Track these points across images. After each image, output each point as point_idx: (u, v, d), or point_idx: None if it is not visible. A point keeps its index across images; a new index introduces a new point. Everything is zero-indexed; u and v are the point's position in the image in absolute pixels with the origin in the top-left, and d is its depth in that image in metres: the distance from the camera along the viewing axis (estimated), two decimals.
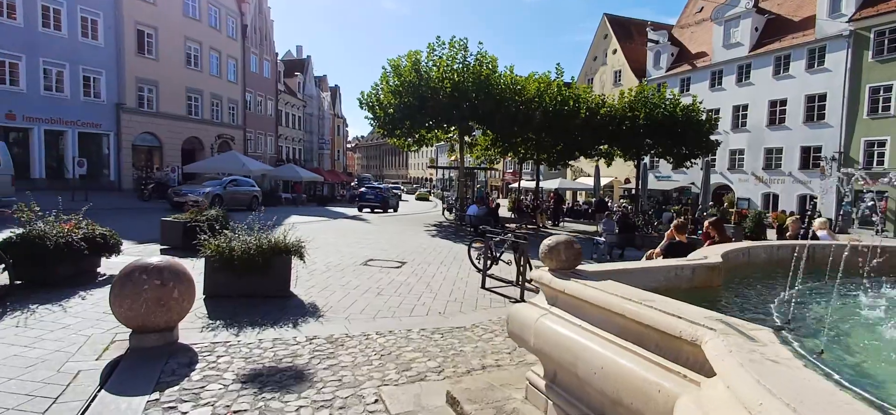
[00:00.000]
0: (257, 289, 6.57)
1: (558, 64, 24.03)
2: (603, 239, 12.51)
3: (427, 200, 50.83)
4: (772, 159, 31.11)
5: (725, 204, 31.34)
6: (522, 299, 7.54)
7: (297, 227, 16.17)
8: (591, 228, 23.20)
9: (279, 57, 48.10)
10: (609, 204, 30.40)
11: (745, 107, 32.08)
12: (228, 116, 36.78)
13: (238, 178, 24.08)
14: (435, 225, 20.58)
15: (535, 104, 21.06)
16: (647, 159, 27.02)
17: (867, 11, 26.25)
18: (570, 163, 32.99)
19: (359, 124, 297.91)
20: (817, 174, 28.39)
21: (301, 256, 7.01)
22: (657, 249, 6.94)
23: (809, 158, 29.02)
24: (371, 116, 22.39)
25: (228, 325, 5.47)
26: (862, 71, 26.43)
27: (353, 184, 59.52)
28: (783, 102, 30.32)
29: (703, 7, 39.10)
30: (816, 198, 28.24)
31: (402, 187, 64.65)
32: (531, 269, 8.79)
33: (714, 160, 30.11)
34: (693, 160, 24.66)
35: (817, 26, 28.45)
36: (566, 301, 3.15)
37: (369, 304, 6.84)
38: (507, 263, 9.77)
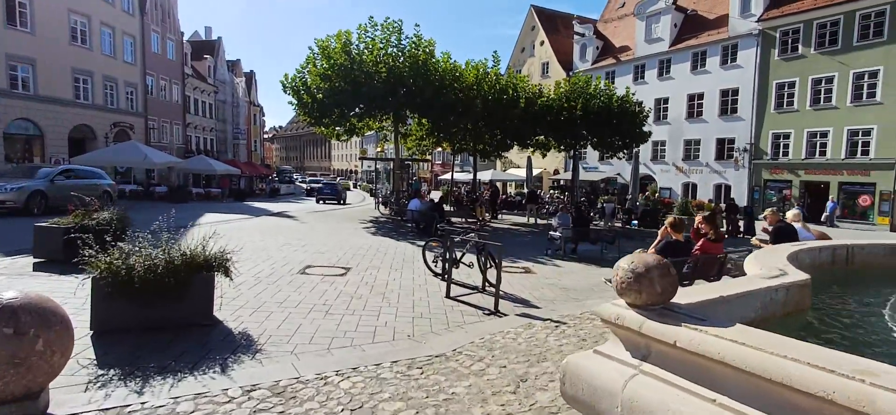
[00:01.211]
0: (169, 318, 5.01)
1: (495, 52, 23.37)
2: (558, 234, 11.86)
3: (347, 191, 49.10)
4: (690, 150, 32.74)
5: (648, 193, 32.53)
6: (497, 311, 6.53)
7: (214, 228, 14.12)
8: (523, 220, 22.94)
9: (185, 37, 43.62)
10: (540, 195, 30.41)
11: (666, 100, 33.45)
12: (126, 102, 32.51)
13: (77, 167, 19.16)
14: (371, 221, 19.14)
15: (473, 92, 20.19)
16: (579, 150, 27.18)
17: (773, 12, 28.10)
18: (503, 154, 32.68)
19: (277, 113, 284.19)
20: (731, 164, 30.18)
21: (227, 272, 5.50)
22: (651, 250, 6.19)
23: (724, 149, 30.81)
24: (296, 103, 20.38)
25: (128, 376, 3.92)
26: (770, 68, 28.30)
27: (272, 177, 55.89)
28: (700, 96, 31.92)
29: (625, 3, 40.43)
30: (731, 186, 30.04)
31: (323, 180, 61.82)
32: (500, 274, 7.84)
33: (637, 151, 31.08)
34: (625, 151, 25.08)
35: (730, 25, 30.12)
36: (676, 358, 2.10)
37: (319, 328, 5.48)
38: (469, 266, 8.74)
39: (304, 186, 47.74)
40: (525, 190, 31.02)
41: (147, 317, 4.89)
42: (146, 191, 27.75)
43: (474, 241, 8.26)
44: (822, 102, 26.22)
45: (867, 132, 24.72)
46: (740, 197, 28.64)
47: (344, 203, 32.62)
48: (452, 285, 7.47)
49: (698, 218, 6.35)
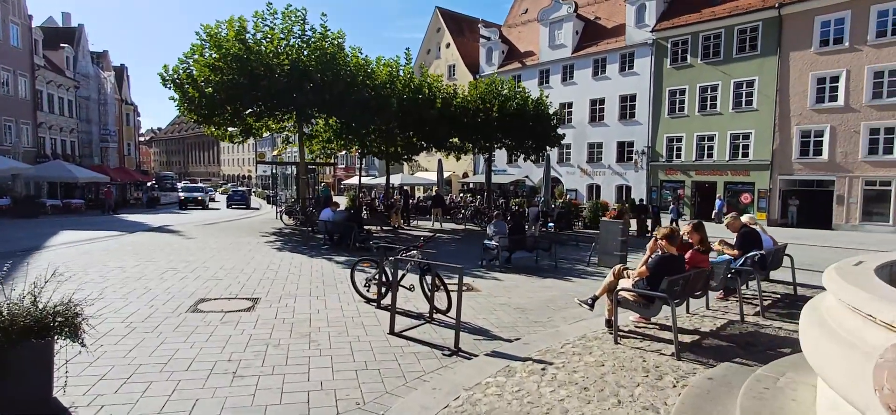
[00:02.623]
0: None
1: (407, 49, 22.00)
2: (494, 242, 10.85)
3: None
4: (594, 153, 33.99)
5: (556, 195, 33.23)
6: (458, 349, 5.23)
7: (71, 252, 11.17)
8: (429, 225, 22.11)
9: (37, 22, 36.94)
10: (448, 199, 29.66)
11: (571, 104, 34.43)
12: None
13: None
14: (275, 233, 16.86)
15: (387, 91, 18.73)
16: (491, 153, 26.75)
17: (665, 24, 29.96)
18: (414, 157, 31.46)
19: (155, 114, 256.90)
20: (632, 166, 31.72)
21: (74, 334, 3.62)
22: (642, 267, 5.28)
23: (624, 152, 32.31)
24: (179, 98, 17.43)
25: None
26: (663, 76, 30.13)
27: (151, 184, 49.50)
28: (602, 101, 33.25)
29: (528, 8, 41.28)
30: (631, 187, 31.56)
31: (212, 188, 56.23)
32: (450, 299, 6.56)
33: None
34: (538, 153, 25.05)
35: (627, 34, 31.68)
36: None
37: (226, 405, 3.79)
38: (409, 290, 7.34)
39: (181, 194, 38.68)
40: (433, 194, 30.11)
41: None
42: None
43: (417, 260, 6.88)
44: (708, 109, 28.36)
45: (747, 136, 27.11)
46: (640, 197, 30.10)
47: (248, 207, 34.65)
48: (396, 317, 6.02)
49: (686, 228, 5.56)
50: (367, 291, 7.33)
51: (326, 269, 9.97)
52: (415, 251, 6.90)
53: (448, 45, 43.69)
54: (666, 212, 23.93)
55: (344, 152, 42.27)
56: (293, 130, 21.97)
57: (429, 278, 6.90)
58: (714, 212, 27.69)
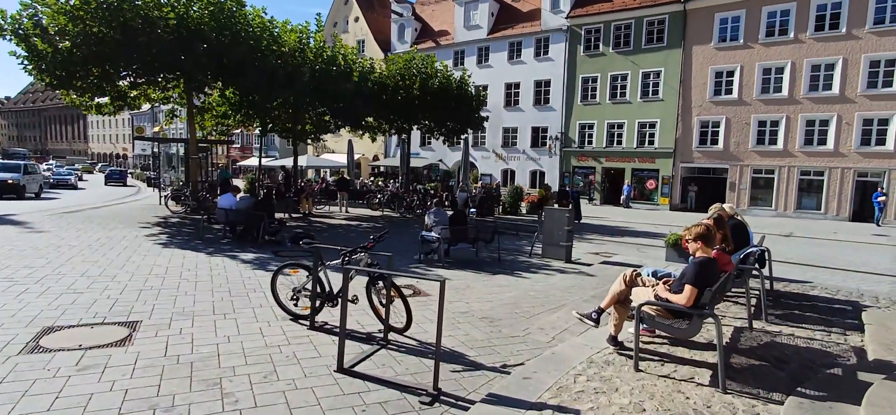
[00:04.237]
0: None
1: (318, 14, 19.62)
2: (434, 234, 9.47)
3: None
4: (509, 138, 33.77)
5: (471, 180, 32.61)
6: (438, 393, 3.79)
7: None
8: (337, 210, 20.39)
9: None
10: (359, 183, 27.73)
11: (486, 87, 33.82)
12: None
13: None
14: (158, 224, 13.98)
15: (298, 59, 16.41)
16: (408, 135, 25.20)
17: (579, 11, 30.25)
18: (322, 137, 28.96)
19: (2, 82, 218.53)
20: (546, 152, 31.92)
21: None
22: (665, 279, 4.20)
23: (539, 137, 32.42)
24: (25, 54, 13.73)
25: None
26: (577, 63, 30.49)
27: None
28: (517, 86, 33.03)
29: None
30: (545, 172, 31.78)
31: (78, 168, 48.34)
32: (409, 313, 5.13)
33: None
34: (457, 137, 23.95)
35: (542, 19, 31.61)
36: None
37: None
38: (352, 302, 5.71)
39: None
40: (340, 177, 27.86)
41: None
42: None
43: (365, 263, 5.29)
44: (618, 97, 29.18)
45: (653, 125, 28.28)
46: (553, 182, 30.43)
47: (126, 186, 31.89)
48: (345, 342, 4.42)
49: (708, 223, 4.58)
50: (295, 305, 5.60)
51: (231, 271, 7.94)
52: (363, 253, 5.29)
53: (357, 19, 41.12)
54: (585, 197, 24.16)
55: (239, 131, 38.25)
56: (180, 101, 18.73)
57: (378, 287, 5.38)
58: (622, 198, 28.69)
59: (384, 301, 5.15)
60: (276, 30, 16.47)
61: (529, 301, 6.96)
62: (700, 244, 4.12)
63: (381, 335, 5.06)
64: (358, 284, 5.84)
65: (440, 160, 35.61)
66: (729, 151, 26.12)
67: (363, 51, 39.80)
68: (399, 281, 5.56)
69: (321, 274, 5.33)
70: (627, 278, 4.56)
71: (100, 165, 70.40)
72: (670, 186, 27.81)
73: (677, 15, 26.94)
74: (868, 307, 6.31)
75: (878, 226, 21.04)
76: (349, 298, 5.62)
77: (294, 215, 17.54)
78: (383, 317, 5.09)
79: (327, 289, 5.40)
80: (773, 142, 25.10)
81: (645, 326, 4.32)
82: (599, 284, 8.17)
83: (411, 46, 37.32)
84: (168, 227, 13.35)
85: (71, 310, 5.54)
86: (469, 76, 22.86)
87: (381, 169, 38.76)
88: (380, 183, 30.01)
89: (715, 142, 26.53)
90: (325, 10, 34.24)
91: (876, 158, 22.91)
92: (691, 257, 4.23)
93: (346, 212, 19.99)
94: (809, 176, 24.54)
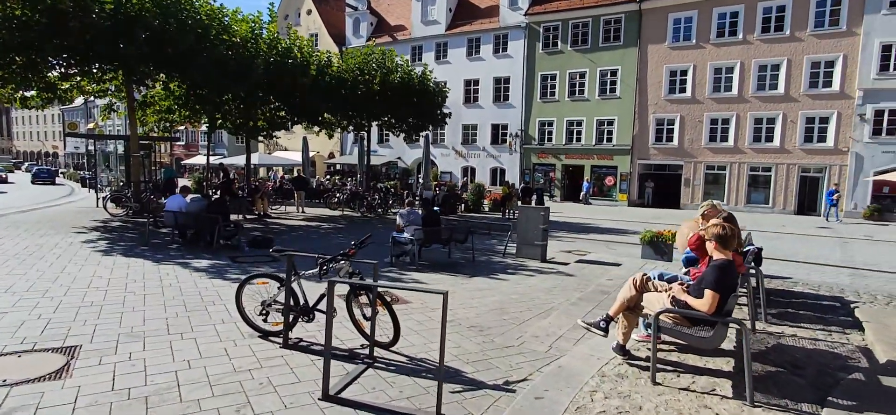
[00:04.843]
0: None
1: (271, 4, 18.57)
2: (407, 235, 8.94)
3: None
4: (469, 135, 33.50)
5: (431, 178, 32.13)
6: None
7: None
8: (295, 210, 19.45)
9: None
10: (313, 181, 26.71)
11: (445, 84, 33.28)
12: None
13: None
14: (97, 228, 12.68)
15: (251, 51, 15.39)
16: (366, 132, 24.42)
17: (537, 8, 30.33)
18: (275, 134, 27.63)
19: None
20: (506, 149, 31.86)
21: None
22: (679, 283, 3.88)
23: (499, 134, 32.32)
24: None
25: None
26: (535, 60, 30.56)
27: None
28: (476, 82, 32.79)
29: None
30: (505, 170, 31.72)
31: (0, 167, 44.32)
32: (397, 326, 4.62)
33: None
34: (417, 134, 23.40)
35: (501, 15, 31.49)
36: None
37: None
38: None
39: None
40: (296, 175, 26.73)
41: None
42: None
43: (345, 271, 4.72)
44: (577, 94, 29.47)
45: (611, 122, 28.73)
46: (513, 180, 30.38)
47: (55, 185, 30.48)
48: (330, 363, 3.84)
49: (715, 221, 4.31)
50: (264, 320, 4.95)
51: (185, 281, 7.11)
52: (343, 262, 4.71)
53: (310, 12, 39.75)
54: (548, 194, 24.17)
55: (184, 127, 36.15)
56: (119, 94, 17.24)
57: (359, 299, 4.83)
58: (581, 194, 29.01)
59: (368, 314, 4.61)
60: (226, 19, 15.36)
61: (515, 306, 6.58)
62: (716, 245, 3.82)
63: (366, 352, 4.52)
64: (335, 295, 5.24)
65: (399, 158, 34.93)
66: (683, 148, 26.87)
67: (317, 46, 38.46)
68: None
69: (295, 285, 4.72)
70: (637, 283, 4.22)
71: (26, 164, 65.10)
72: (628, 183, 28.35)
73: (633, 14, 27.44)
74: (855, 304, 6.30)
75: (828, 220, 21.86)
76: (322, 309, 5.05)
77: (248, 216, 16.51)
78: (368, 332, 4.54)
79: (301, 302, 4.79)
80: (725, 139, 26.01)
81: (660, 334, 3.99)
82: (580, 284, 7.90)
83: (367, 41, 36.36)
84: (108, 232, 12.12)
85: None
86: (431, 71, 22.36)
87: (338, 167, 37.65)
88: (337, 181, 29.02)
89: (670, 139, 27.23)
90: (277, 2, 33.19)
91: (818, 155, 24.16)
92: (709, 259, 3.93)
93: (303, 212, 19.09)
94: (758, 172, 25.60)
